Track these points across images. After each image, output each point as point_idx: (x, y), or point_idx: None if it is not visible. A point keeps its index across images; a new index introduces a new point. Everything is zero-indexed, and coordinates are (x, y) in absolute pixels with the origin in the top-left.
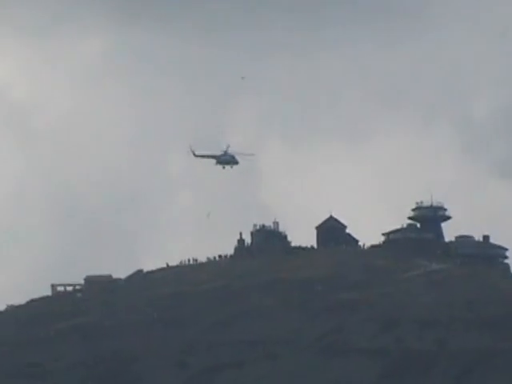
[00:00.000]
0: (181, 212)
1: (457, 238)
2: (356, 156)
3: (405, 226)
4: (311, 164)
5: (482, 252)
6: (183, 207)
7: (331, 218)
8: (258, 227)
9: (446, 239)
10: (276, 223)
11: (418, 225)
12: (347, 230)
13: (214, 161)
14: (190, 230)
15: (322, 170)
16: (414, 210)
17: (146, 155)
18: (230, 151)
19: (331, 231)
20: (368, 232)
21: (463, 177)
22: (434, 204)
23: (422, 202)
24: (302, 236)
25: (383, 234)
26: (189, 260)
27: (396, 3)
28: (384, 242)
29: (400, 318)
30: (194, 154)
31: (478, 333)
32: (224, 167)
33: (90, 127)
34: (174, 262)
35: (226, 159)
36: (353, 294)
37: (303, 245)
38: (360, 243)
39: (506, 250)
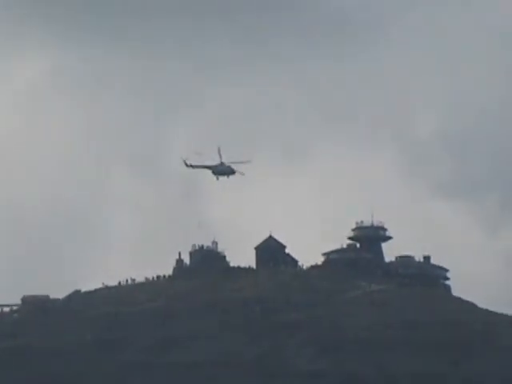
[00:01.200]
0: (119, 232)
1: (397, 258)
2: (296, 175)
3: (345, 246)
4: (250, 183)
5: (422, 273)
6: (121, 227)
7: (270, 237)
8: (196, 247)
9: (387, 259)
10: (215, 243)
11: (358, 245)
12: (287, 250)
13: (203, 171)
14: (128, 250)
15: (261, 190)
16: (354, 229)
17: (85, 175)
18: (226, 161)
19: (270, 251)
20: (308, 252)
21: (404, 197)
22: (375, 224)
23: (362, 222)
24: (241, 256)
25: (323, 254)
26: (127, 280)
27: (345, 19)
28: (324, 263)
29: (340, 340)
30: (187, 165)
31: (418, 355)
32: (218, 178)
33: (28, 147)
34: (112, 282)
35: (223, 170)
36: (292, 316)
37: (242, 265)
38: (300, 263)
39: (447, 270)
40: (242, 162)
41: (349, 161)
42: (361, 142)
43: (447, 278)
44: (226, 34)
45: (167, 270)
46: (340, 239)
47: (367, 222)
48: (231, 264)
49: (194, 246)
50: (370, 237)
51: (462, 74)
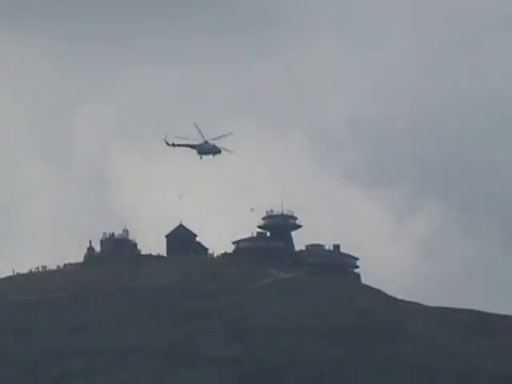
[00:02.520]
0: (30, 219)
1: (307, 246)
2: (206, 163)
3: (255, 234)
4: (160, 172)
5: (332, 261)
6: (32, 215)
7: (181, 226)
8: (107, 235)
9: (297, 248)
10: (126, 231)
11: (268, 233)
12: (197, 239)
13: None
14: (39, 237)
15: (171, 178)
16: (264, 218)
17: None
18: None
19: (181, 240)
20: (218, 240)
21: (314, 185)
22: (285, 212)
23: (272, 211)
24: (152, 244)
25: (233, 243)
26: (38, 268)
27: (258, 15)
28: (234, 251)
29: (250, 327)
30: (168, 143)
31: (328, 342)
32: (201, 157)
33: None
34: (23, 270)
35: (208, 148)
36: (203, 303)
37: (153, 253)
38: (210, 251)
39: (357, 259)
40: (223, 136)
41: (259, 149)
42: (271, 130)
43: (357, 267)
44: (138, 30)
45: (78, 257)
46: (250, 228)
47: (277, 211)
48: (142, 252)
49: (104, 233)
50: (279, 225)
51: (372, 62)
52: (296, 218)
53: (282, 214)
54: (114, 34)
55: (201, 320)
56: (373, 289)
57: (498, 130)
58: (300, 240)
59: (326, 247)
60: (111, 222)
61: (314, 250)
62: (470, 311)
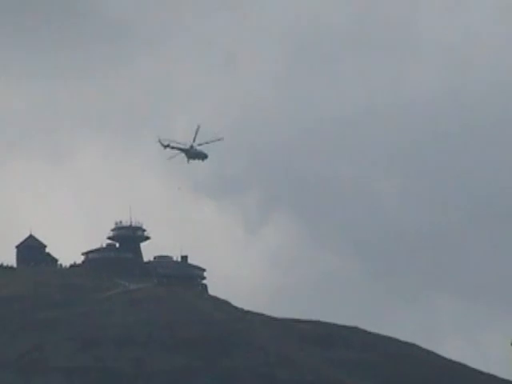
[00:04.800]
0: None
1: (156, 257)
2: (57, 174)
3: (104, 245)
4: (10, 182)
5: (180, 272)
6: None
7: (31, 236)
8: None
9: (145, 259)
10: None
11: (118, 244)
12: (47, 250)
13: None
14: None
15: (21, 188)
16: (113, 229)
17: None
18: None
19: (31, 250)
20: (68, 251)
21: (162, 197)
22: (134, 224)
23: (121, 222)
24: (2, 255)
25: (83, 254)
26: None
27: (108, 29)
28: (83, 262)
29: (99, 337)
30: (163, 145)
31: (175, 352)
32: (188, 161)
33: None
34: None
35: (196, 154)
36: (52, 313)
37: (3, 264)
38: (60, 262)
39: (204, 270)
40: (212, 141)
41: (108, 161)
42: (120, 142)
43: (204, 278)
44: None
45: None
46: (100, 239)
47: (126, 222)
48: None
49: None
50: (128, 237)
51: (221, 75)
52: (144, 230)
53: (131, 226)
54: None
55: (50, 330)
56: (220, 300)
57: (345, 144)
58: (148, 251)
59: (174, 258)
60: None
61: (162, 261)
62: (316, 322)
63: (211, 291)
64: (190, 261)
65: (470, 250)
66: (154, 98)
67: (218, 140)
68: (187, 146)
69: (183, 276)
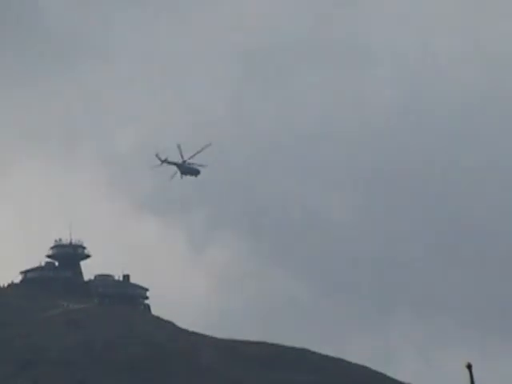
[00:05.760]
0: None
1: (96, 276)
2: None
3: (43, 264)
4: None
5: (121, 291)
6: None
7: None
8: None
9: (86, 278)
10: None
11: (57, 263)
12: None
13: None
14: None
15: None
16: (52, 248)
17: None
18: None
19: None
20: (5, 270)
21: (104, 214)
22: (74, 242)
23: (60, 240)
24: None
25: (21, 273)
26: None
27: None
28: (21, 281)
29: (37, 358)
30: (160, 160)
31: (116, 374)
32: (182, 177)
33: None
34: None
35: (189, 169)
36: None
37: None
38: None
39: (147, 290)
40: (202, 150)
41: (48, 178)
42: (60, 159)
43: (146, 297)
44: None
45: None
46: (39, 257)
47: (66, 240)
48: None
49: None
50: (68, 255)
51: (162, 89)
52: (85, 248)
53: (71, 244)
54: None
55: None
56: (163, 320)
57: (294, 163)
58: (89, 270)
59: (116, 277)
60: None
61: (103, 280)
62: (263, 344)
63: (154, 311)
64: (132, 280)
65: (420, 271)
66: (95, 112)
67: (207, 146)
68: (180, 161)
69: (125, 296)
